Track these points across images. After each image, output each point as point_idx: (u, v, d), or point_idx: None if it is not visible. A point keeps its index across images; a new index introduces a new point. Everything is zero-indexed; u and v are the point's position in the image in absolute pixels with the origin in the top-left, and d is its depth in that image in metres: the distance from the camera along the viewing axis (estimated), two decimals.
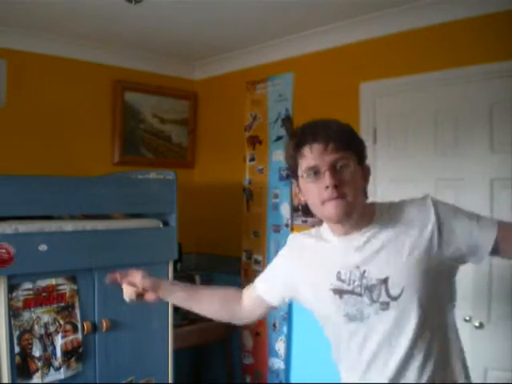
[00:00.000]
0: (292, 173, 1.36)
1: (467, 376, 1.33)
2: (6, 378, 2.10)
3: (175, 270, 2.79)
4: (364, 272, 1.28)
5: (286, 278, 1.49)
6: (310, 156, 1.26)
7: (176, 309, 2.73)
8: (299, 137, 1.29)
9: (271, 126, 3.27)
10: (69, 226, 2.34)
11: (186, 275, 3.33)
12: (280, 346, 3.16)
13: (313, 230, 1.50)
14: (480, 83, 2.36)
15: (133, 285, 1.53)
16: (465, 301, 2.39)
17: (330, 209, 1.25)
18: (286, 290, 1.50)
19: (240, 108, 3.44)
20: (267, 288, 1.53)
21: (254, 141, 3.37)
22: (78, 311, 2.34)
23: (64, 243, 2.28)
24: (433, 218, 1.25)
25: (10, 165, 2.79)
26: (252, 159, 3.39)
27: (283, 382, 3.15)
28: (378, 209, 1.34)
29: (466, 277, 2.39)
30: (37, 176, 2.55)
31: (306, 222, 3.04)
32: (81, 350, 2.33)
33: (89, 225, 2.41)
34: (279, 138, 3.20)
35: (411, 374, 1.25)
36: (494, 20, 2.29)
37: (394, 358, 1.25)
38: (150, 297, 1.54)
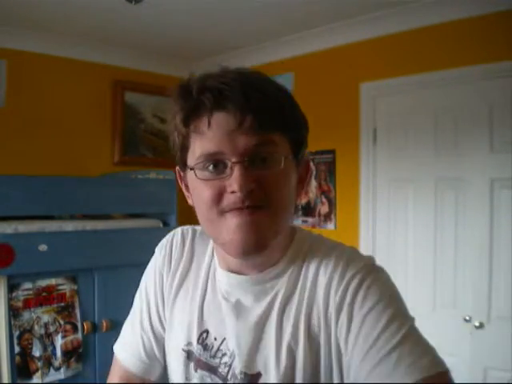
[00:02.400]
0: (178, 159, 0.80)
1: None
2: (5, 378, 2.10)
3: None
4: (235, 352, 0.80)
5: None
6: (210, 135, 0.72)
7: None
8: (194, 98, 0.74)
9: None
10: (69, 226, 2.34)
11: None
12: None
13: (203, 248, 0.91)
14: (480, 83, 2.36)
15: None
16: (465, 301, 2.39)
17: (233, 227, 0.73)
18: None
19: None
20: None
21: None
22: (77, 311, 2.34)
23: (64, 243, 2.28)
24: (333, 306, 0.75)
25: (10, 165, 2.78)
26: None
27: None
28: (295, 242, 0.82)
29: (465, 277, 2.40)
30: (37, 176, 2.55)
31: (306, 222, 3.04)
32: (81, 350, 2.33)
33: (89, 225, 2.41)
34: None
35: None
36: (494, 20, 2.29)
37: None
38: None
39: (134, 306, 0.97)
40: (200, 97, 0.73)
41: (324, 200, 2.97)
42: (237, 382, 0.78)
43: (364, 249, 2.77)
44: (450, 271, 2.45)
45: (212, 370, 0.81)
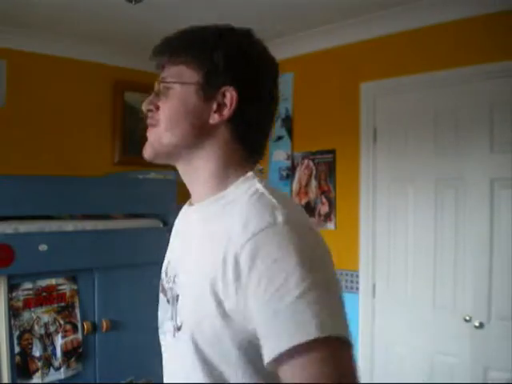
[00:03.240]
0: None
1: None
2: (5, 378, 2.10)
3: None
4: (175, 276, 0.92)
5: None
6: None
7: None
8: None
9: None
10: (69, 225, 2.34)
11: None
12: None
13: None
14: (480, 83, 2.36)
15: None
16: (465, 301, 2.39)
17: None
18: None
19: None
20: None
21: None
22: (77, 311, 2.34)
23: (64, 243, 2.28)
24: (232, 252, 0.77)
25: (10, 165, 2.78)
26: None
27: None
28: (240, 180, 0.88)
29: (465, 277, 2.40)
30: (37, 176, 2.55)
31: None
32: (81, 349, 2.33)
33: (89, 225, 2.41)
34: (279, 138, 3.20)
35: None
36: (494, 20, 2.29)
37: None
38: None
39: None
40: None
41: (324, 200, 2.97)
42: (173, 302, 0.89)
43: (364, 249, 2.77)
44: (450, 271, 2.45)
45: (164, 293, 0.95)
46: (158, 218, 2.68)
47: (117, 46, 3.28)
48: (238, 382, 0.78)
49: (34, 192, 2.23)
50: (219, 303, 0.77)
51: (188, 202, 0.98)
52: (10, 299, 2.13)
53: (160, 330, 0.95)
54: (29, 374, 2.17)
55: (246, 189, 0.86)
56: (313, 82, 3.04)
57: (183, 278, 0.88)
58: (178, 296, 0.88)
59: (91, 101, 3.28)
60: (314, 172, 3.02)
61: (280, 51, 3.19)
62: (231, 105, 0.86)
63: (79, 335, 2.34)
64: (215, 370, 0.80)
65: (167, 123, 0.88)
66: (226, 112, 0.86)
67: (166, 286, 0.94)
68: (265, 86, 0.91)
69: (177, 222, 1.05)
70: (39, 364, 2.20)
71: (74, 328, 2.32)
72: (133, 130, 3.46)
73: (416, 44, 2.57)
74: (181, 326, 0.85)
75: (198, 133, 0.88)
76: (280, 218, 0.77)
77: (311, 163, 3.04)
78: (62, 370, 2.26)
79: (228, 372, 0.79)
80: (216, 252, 0.80)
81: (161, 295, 0.97)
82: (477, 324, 2.33)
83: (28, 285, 2.19)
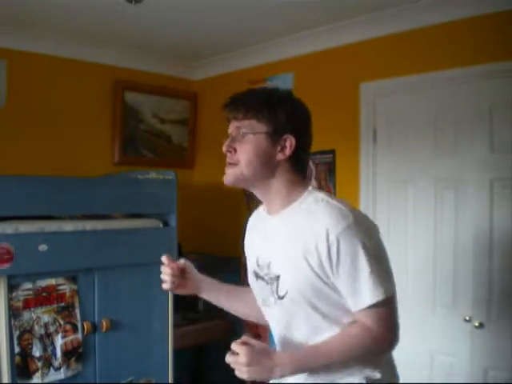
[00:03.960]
0: None
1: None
2: (5, 378, 2.10)
3: None
4: (270, 263, 1.32)
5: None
6: (229, 123, 1.34)
7: (176, 309, 2.73)
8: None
9: None
10: (69, 225, 2.34)
11: None
12: None
13: (261, 206, 1.45)
14: (480, 83, 2.36)
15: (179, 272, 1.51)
16: (465, 301, 2.39)
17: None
18: None
19: None
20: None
21: None
22: (77, 311, 2.34)
23: (64, 243, 2.28)
24: (324, 245, 1.19)
25: (10, 165, 2.79)
26: None
27: None
28: (306, 194, 1.30)
29: (465, 276, 2.40)
30: (37, 176, 2.55)
31: None
32: (81, 349, 2.33)
33: (89, 225, 2.41)
34: None
35: None
36: (494, 20, 2.29)
37: (291, 344, 1.32)
38: (186, 290, 1.55)
39: None
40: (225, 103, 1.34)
41: None
42: (273, 282, 1.31)
43: None
44: (450, 271, 2.45)
45: (262, 278, 1.35)
46: (158, 218, 2.68)
47: (117, 46, 3.28)
48: (328, 312, 1.25)
49: (34, 192, 2.22)
50: (312, 269, 1.21)
51: (257, 211, 1.46)
52: (9, 299, 2.13)
53: (263, 304, 1.37)
54: (29, 374, 2.17)
55: (314, 198, 1.28)
56: (312, 82, 3.03)
57: (280, 262, 1.29)
58: (278, 276, 1.29)
59: (91, 101, 3.28)
60: (314, 172, 3.02)
61: (280, 51, 3.20)
62: (291, 147, 1.27)
63: (79, 335, 2.34)
64: (317, 307, 1.25)
65: (246, 162, 1.26)
66: (287, 152, 1.27)
67: (261, 273, 1.35)
68: (310, 131, 1.35)
69: (252, 225, 1.47)
70: (39, 364, 2.20)
71: (74, 328, 2.32)
72: (133, 130, 3.47)
73: (416, 44, 2.57)
74: (285, 294, 1.27)
75: (268, 167, 1.27)
76: (350, 221, 1.20)
77: (311, 163, 3.03)
78: (62, 370, 2.26)
79: (322, 305, 1.24)
80: (308, 240, 1.21)
81: (257, 281, 1.37)
82: (477, 324, 2.33)
83: (28, 285, 2.19)
